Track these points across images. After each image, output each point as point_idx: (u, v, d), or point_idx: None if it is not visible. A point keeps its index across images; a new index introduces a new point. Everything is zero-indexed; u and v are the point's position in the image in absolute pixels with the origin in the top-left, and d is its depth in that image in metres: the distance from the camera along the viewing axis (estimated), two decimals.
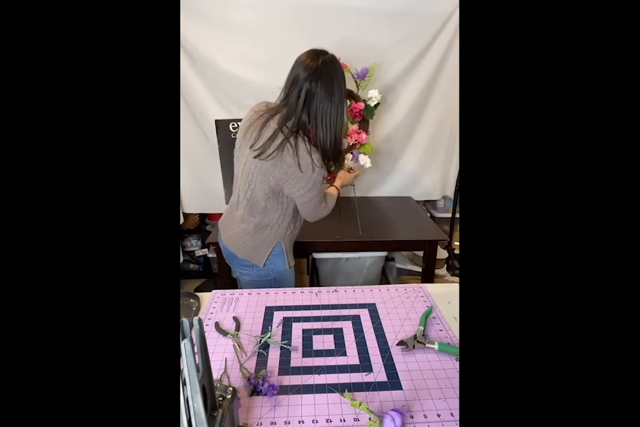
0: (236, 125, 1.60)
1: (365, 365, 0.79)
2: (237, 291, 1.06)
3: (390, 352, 0.82)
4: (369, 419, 0.65)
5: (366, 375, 0.76)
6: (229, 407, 0.56)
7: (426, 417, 0.67)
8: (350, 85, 1.29)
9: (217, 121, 1.62)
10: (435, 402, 0.70)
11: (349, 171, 1.33)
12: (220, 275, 1.59)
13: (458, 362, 0.79)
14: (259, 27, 1.56)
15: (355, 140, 1.41)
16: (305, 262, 1.97)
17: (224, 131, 1.62)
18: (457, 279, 2.02)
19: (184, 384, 0.48)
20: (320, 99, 0.95)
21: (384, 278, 2.17)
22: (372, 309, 0.98)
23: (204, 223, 2.24)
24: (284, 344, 0.84)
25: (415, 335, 0.85)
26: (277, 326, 0.91)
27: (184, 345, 0.45)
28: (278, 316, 0.94)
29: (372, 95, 1.41)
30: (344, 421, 0.66)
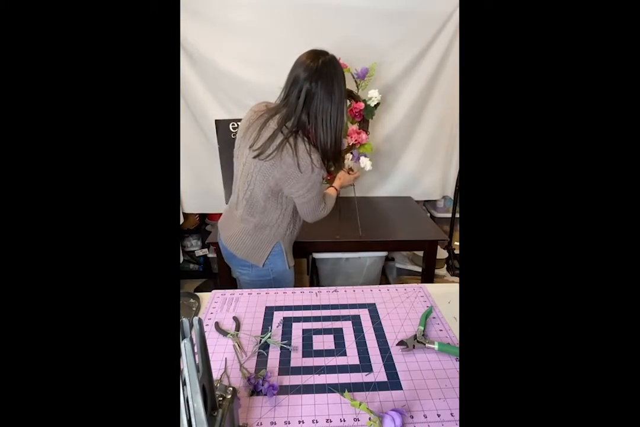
0: (236, 125, 1.60)
1: (365, 365, 0.79)
2: (237, 291, 1.06)
3: (390, 352, 0.82)
4: (369, 419, 0.65)
5: (366, 375, 0.76)
6: (229, 407, 0.56)
7: (426, 417, 0.67)
8: (350, 85, 1.29)
9: (217, 121, 1.62)
10: (435, 402, 0.70)
11: (348, 172, 1.33)
12: (220, 275, 1.59)
13: (458, 362, 0.79)
14: (259, 27, 1.56)
15: (355, 141, 1.41)
16: (305, 262, 1.97)
17: (224, 131, 1.63)
18: (457, 279, 2.02)
19: (184, 384, 0.48)
20: (321, 99, 0.95)
21: (384, 278, 2.17)
22: (372, 309, 0.98)
23: (204, 223, 2.24)
24: (284, 344, 0.84)
25: (415, 335, 0.85)
26: (277, 326, 0.91)
27: (184, 345, 0.45)
28: (278, 316, 0.94)
29: (372, 95, 1.41)
30: (344, 421, 0.66)
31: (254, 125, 1.02)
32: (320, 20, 1.56)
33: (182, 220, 1.99)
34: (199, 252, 2.23)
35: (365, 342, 0.85)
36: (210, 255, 2.22)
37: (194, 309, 0.98)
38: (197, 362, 0.49)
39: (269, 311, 0.97)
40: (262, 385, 0.71)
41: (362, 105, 1.42)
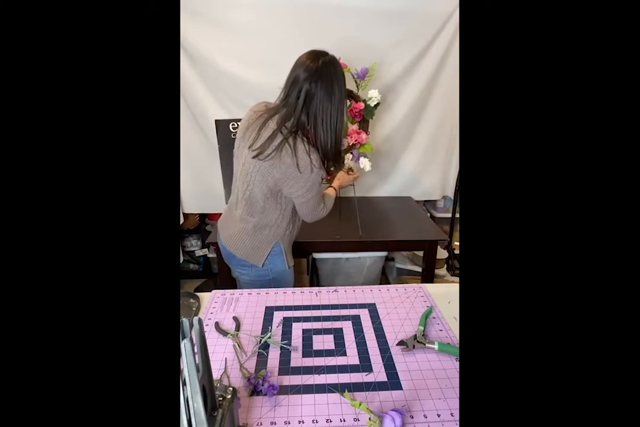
0: (236, 125, 1.60)
1: (365, 365, 0.79)
2: (237, 291, 1.06)
3: (390, 352, 0.82)
4: (369, 419, 0.65)
5: (366, 375, 0.76)
6: (229, 407, 0.56)
7: (426, 417, 0.67)
8: (350, 85, 1.29)
9: (217, 121, 1.62)
10: (435, 402, 0.70)
11: (348, 172, 1.33)
12: (220, 275, 1.59)
13: (458, 362, 0.79)
14: (259, 27, 1.56)
15: (355, 140, 1.41)
16: (305, 262, 1.96)
17: (224, 131, 1.63)
18: (457, 279, 2.02)
19: (184, 384, 0.48)
20: (320, 100, 0.95)
21: (384, 278, 2.17)
22: (372, 309, 0.98)
23: (204, 223, 2.24)
24: (284, 344, 0.84)
25: (415, 335, 0.85)
26: (277, 326, 0.91)
27: (184, 345, 0.45)
28: (278, 316, 0.94)
29: (372, 95, 1.41)
30: (344, 421, 0.66)
31: (253, 126, 1.02)
32: (320, 20, 1.56)
33: (182, 220, 1.99)
34: (199, 252, 2.23)
35: (365, 342, 0.85)
36: (210, 255, 2.22)
37: (194, 309, 0.98)
38: (197, 362, 0.49)
39: (269, 311, 0.97)
40: (262, 385, 0.71)
41: (362, 105, 1.42)
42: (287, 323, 0.92)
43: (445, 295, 1.02)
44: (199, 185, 1.86)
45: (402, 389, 0.73)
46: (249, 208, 1.08)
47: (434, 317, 0.94)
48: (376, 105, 1.44)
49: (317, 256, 1.88)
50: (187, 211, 1.97)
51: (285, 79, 0.99)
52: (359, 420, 0.66)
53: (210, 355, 0.55)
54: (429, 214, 2.19)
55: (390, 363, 0.79)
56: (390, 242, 1.60)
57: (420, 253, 1.74)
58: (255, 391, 0.72)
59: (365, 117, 1.45)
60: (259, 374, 0.75)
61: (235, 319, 0.93)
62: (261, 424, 0.65)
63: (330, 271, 1.94)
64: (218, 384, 0.58)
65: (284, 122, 0.98)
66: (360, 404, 0.67)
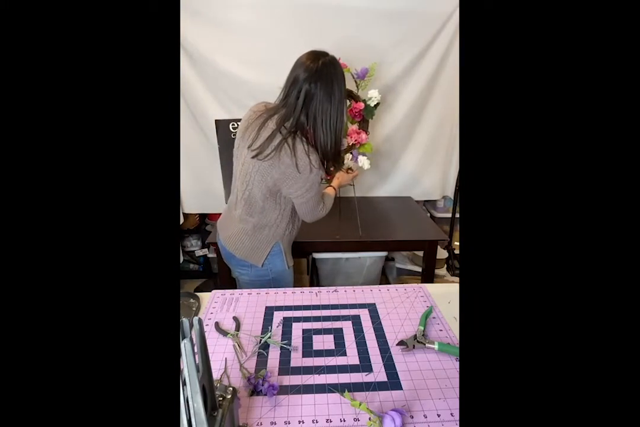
0: (236, 125, 1.60)
1: (365, 365, 0.79)
2: (237, 291, 1.06)
3: (390, 352, 0.82)
4: (369, 419, 0.65)
5: (366, 375, 0.76)
6: (229, 407, 0.56)
7: (426, 417, 0.67)
8: (350, 85, 1.29)
9: (217, 121, 1.62)
10: (435, 402, 0.70)
11: (347, 172, 1.33)
12: (220, 275, 1.59)
13: (458, 362, 0.79)
14: (259, 27, 1.56)
15: (355, 140, 1.41)
16: (305, 262, 1.97)
17: (224, 131, 1.63)
18: (457, 279, 2.02)
19: (184, 384, 0.48)
20: (320, 100, 0.95)
21: (384, 278, 2.17)
22: (372, 309, 0.98)
23: (204, 223, 2.24)
24: (284, 344, 0.84)
25: (415, 335, 0.85)
26: (277, 326, 0.91)
27: (184, 345, 0.45)
28: (278, 316, 0.94)
29: (372, 95, 1.41)
30: (344, 421, 0.66)
31: (252, 126, 1.02)
32: (320, 20, 1.56)
33: (182, 220, 1.99)
34: (199, 252, 2.23)
35: (365, 342, 0.85)
36: (210, 255, 2.22)
37: (194, 309, 0.98)
38: (197, 362, 0.49)
39: (269, 311, 0.97)
40: (262, 385, 0.71)
41: (361, 105, 1.42)
42: (287, 323, 0.92)
43: (445, 295, 1.02)
44: (199, 185, 1.86)
45: (402, 389, 0.73)
46: (248, 208, 1.08)
47: (434, 317, 0.94)
48: (376, 105, 1.44)
49: (317, 256, 1.88)
50: (187, 211, 1.97)
51: (285, 79, 0.99)
52: (359, 420, 0.66)
53: (210, 355, 0.55)
54: (429, 214, 2.19)
55: (390, 363, 0.79)
56: (390, 242, 1.60)
57: (420, 253, 1.74)
58: (255, 391, 0.72)
59: (365, 117, 1.45)
60: (259, 374, 0.75)
61: (235, 319, 0.93)
62: (261, 424, 0.65)
63: (330, 271, 1.94)
64: (218, 384, 0.58)
65: (283, 122, 0.98)
66: (360, 404, 0.67)
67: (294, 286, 1.18)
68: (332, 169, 1.09)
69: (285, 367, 0.78)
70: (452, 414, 0.67)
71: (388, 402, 0.70)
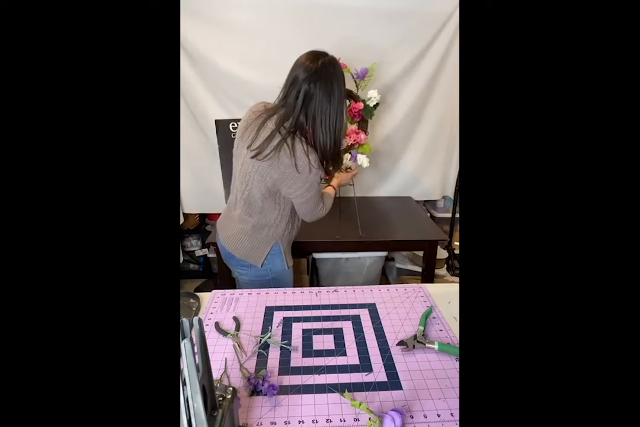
0: (236, 125, 1.60)
1: (365, 365, 0.79)
2: (237, 291, 1.06)
3: (390, 352, 0.82)
4: (369, 419, 0.65)
5: (366, 375, 0.76)
6: (229, 407, 0.56)
7: (426, 417, 0.67)
8: (349, 85, 1.29)
9: (217, 121, 1.62)
10: (435, 402, 0.70)
11: (346, 171, 1.33)
12: (220, 275, 1.59)
13: (458, 362, 0.79)
14: (259, 27, 1.56)
15: (354, 141, 1.41)
16: (305, 262, 1.97)
17: (224, 131, 1.63)
18: (457, 279, 2.02)
19: (184, 384, 0.48)
20: (319, 101, 0.95)
21: (384, 278, 2.17)
22: (372, 309, 0.98)
23: (204, 223, 2.24)
24: (284, 344, 0.84)
25: (415, 335, 0.85)
26: (277, 326, 0.91)
27: (184, 345, 0.45)
28: (278, 316, 0.94)
29: (372, 95, 1.41)
30: (344, 421, 0.66)
31: (252, 126, 1.02)
32: (320, 20, 1.56)
33: (182, 220, 1.99)
34: (199, 252, 2.23)
35: (365, 342, 0.85)
36: (210, 255, 2.22)
37: (194, 309, 0.98)
38: (197, 362, 0.49)
39: (269, 311, 0.97)
40: (262, 385, 0.71)
41: (361, 105, 1.42)
42: (287, 323, 0.92)
43: (445, 295, 1.02)
44: (199, 185, 1.86)
45: (402, 389, 0.73)
46: (248, 208, 1.08)
47: (434, 317, 0.94)
48: (375, 106, 1.44)
49: (317, 256, 1.88)
50: (187, 211, 1.97)
51: (285, 80, 0.99)
52: (359, 420, 0.66)
53: (210, 355, 0.55)
54: (429, 214, 2.19)
55: (390, 363, 0.79)
56: (390, 242, 1.60)
57: (420, 253, 1.74)
58: (255, 391, 0.72)
59: (364, 118, 1.45)
60: (259, 374, 0.75)
61: (235, 319, 0.93)
62: (261, 424, 0.65)
63: (330, 271, 1.94)
64: (218, 384, 0.58)
65: (282, 122, 0.98)
66: (360, 404, 0.67)
67: (294, 286, 1.18)
68: (331, 168, 1.09)
69: (285, 367, 0.78)
70: (452, 414, 0.67)
71: (388, 402, 0.70)
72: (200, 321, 0.51)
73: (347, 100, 1.39)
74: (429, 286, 1.08)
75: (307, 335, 0.87)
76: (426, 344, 0.82)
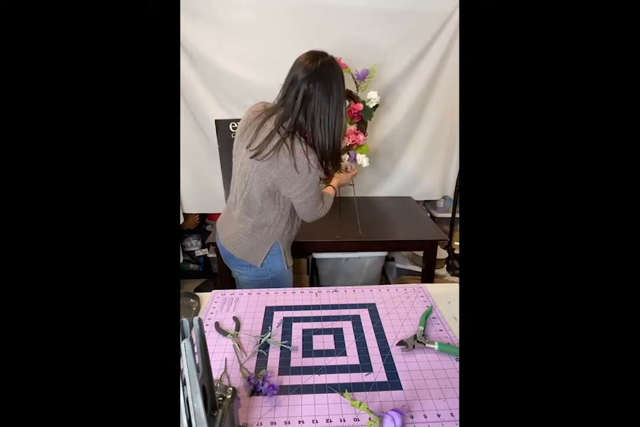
0: (236, 125, 1.60)
1: (365, 365, 0.79)
2: (237, 291, 1.06)
3: (390, 352, 0.82)
4: (369, 419, 0.65)
5: (366, 375, 0.76)
6: (229, 407, 0.56)
7: (426, 417, 0.67)
8: (350, 86, 1.29)
9: (217, 121, 1.62)
10: (435, 402, 0.70)
11: (345, 171, 1.33)
12: (220, 275, 1.59)
13: (458, 362, 0.79)
14: (259, 27, 1.56)
15: (353, 141, 1.41)
16: (305, 262, 1.97)
17: (224, 131, 1.63)
18: (457, 279, 2.02)
19: (184, 384, 0.48)
20: (318, 101, 0.95)
21: (384, 278, 2.17)
22: (372, 309, 0.98)
23: (204, 223, 2.24)
24: (284, 344, 0.84)
25: (415, 335, 0.85)
26: (277, 326, 0.91)
27: (184, 345, 0.45)
28: (278, 316, 0.94)
29: (371, 96, 1.41)
30: (344, 421, 0.66)
31: (251, 126, 1.02)
32: (320, 20, 1.56)
33: (182, 220, 1.99)
34: (199, 252, 2.23)
35: (365, 342, 0.85)
36: (210, 255, 2.22)
37: (194, 309, 0.98)
38: (197, 362, 0.49)
39: (269, 311, 0.97)
40: (262, 385, 0.71)
41: (360, 106, 1.42)
42: (287, 323, 0.92)
43: (445, 295, 1.02)
44: (199, 185, 1.86)
45: (402, 389, 0.73)
46: (247, 208, 1.08)
47: (434, 317, 0.94)
48: (375, 107, 1.44)
49: (317, 256, 1.88)
50: (187, 211, 1.97)
51: (284, 80, 0.99)
52: (359, 420, 0.66)
53: (210, 355, 0.55)
54: (429, 214, 2.19)
55: (390, 363, 0.79)
56: (390, 242, 1.60)
57: (420, 253, 1.74)
58: (255, 391, 0.72)
59: (363, 119, 1.45)
60: (259, 374, 0.75)
61: (235, 319, 0.93)
62: (261, 424, 0.65)
63: (330, 271, 1.94)
64: (218, 384, 0.58)
65: (281, 122, 0.98)
66: (360, 404, 0.67)
67: (294, 286, 1.18)
68: (330, 168, 1.09)
69: (285, 367, 0.78)
70: (452, 414, 0.67)
71: (388, 402, 0.70)
72: (200, 321, 0.51)
73: (347, 101, 1.39)
74: (429, 286, 1.08)
75: (307, 335, 0.87)
76: (426, 344, 0.82)
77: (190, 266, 2.29)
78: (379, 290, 1.06)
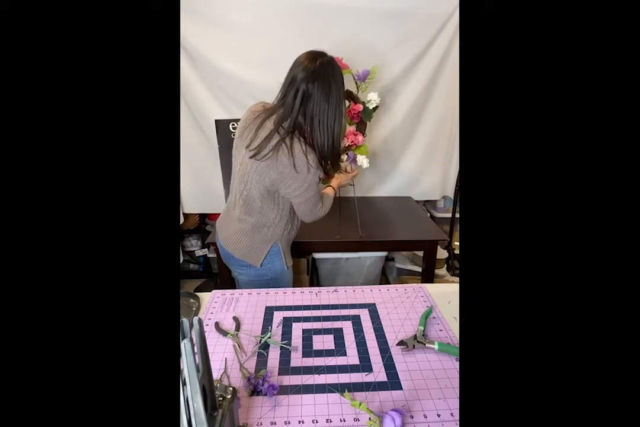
0: (236, 125, 1.60)
1: (365, 365, 0.79)
2: (237, 291, 1.06)
3: (390, 352, 0.82)
4: (369, 419, 0.65)
5: (366, 375, 0.76)
6: (229, 407, 0.56)
7: (426, 417, 0.67)
8: (350, 86, 1.29)
9: (217, 121, 1.62)
10: (435, 402, 0.70)
11: (345, 170, 1.33)
12: (220, 275, 1.59)
13: (458, 362, 0.79)
14: (259, 27, 1.56)
15: (352, 142, 1.41)
16: (305, 262, 1.97)
17: (224, 131, 1.63)
18: (457, 279, 2.02)
19: (184, 384, 0.48)
20: (317, 101, 0.95)
21: (384, 278, 2.17)
22: (372, 309, 0.98)
23: (204, 223, 2.24)
24: (284, 344, 0.84)
25: (415, 335, 0.85)
26: (277, 326, 0.91)
27: (184, 345, 0.45)
28: (278, 316, 0.94)
29: (372, 98, 1.41)
30: (344, 421, 0.66)
31: (250, 126, 1.02)
32: (320, 20, 1.56)
33: (182, 220, 1.99)
34: (199, 252, 2.23)
35: (365, 342, 0.85)
36: (210, 255, 2.22)
37: (194, 309, 0.98)
38: (197, 362, 0.49)
39: (269, 311, 0.97)
40: (262, 385, 0.71)
41: (360, 107, 1.41)
42: (287, 323, 0.92)
43: (445, 295, 1.02)
44: (199, 185, 1.86)
45: (402, 389, 0.73)
46: (247, 208, 1.08)
47: (434, 317, 0.94)
48: (375, 108, 1.44)
49: (317, 256, 1.88)
50: (187, 211, 1.97)
51: (284, 80, 0.99)
52: (359, 420, 0.66)
53: (210, 355, 0.55)
54: (429, 214, 2.19)
55: (390, 363, 0.79)
56: (390, 242, 1.60)
57: (420, 253, 1.74)
58: (255, 391, 0.72)
59: (362, 120, 1.44)
60: (259, 374, 0.75)
61: (235, 319, 0.93)
62: (261, 424, 0.65)
63: (330, 271, 1.94)
64: (218, 384, 0.58)
65: (281, 122, 0.98)
66: (360, 404, 0.67)
67: (294, 286, 1.18)
68: (329, 168, 1.09)
69: (285, 367, 0.78)
70: (452, 414, 0.67)
71: (388, 402, 0.70)
72: (200, 321, 0.51)
73: (347, 101, 1.39)
74: (429, 286, 1.08)
75: (307, 335, 0.88)
76: (426, 344, 0.82)
77: (190, 266, 2.29)
78: (379, 290, 1.06)
